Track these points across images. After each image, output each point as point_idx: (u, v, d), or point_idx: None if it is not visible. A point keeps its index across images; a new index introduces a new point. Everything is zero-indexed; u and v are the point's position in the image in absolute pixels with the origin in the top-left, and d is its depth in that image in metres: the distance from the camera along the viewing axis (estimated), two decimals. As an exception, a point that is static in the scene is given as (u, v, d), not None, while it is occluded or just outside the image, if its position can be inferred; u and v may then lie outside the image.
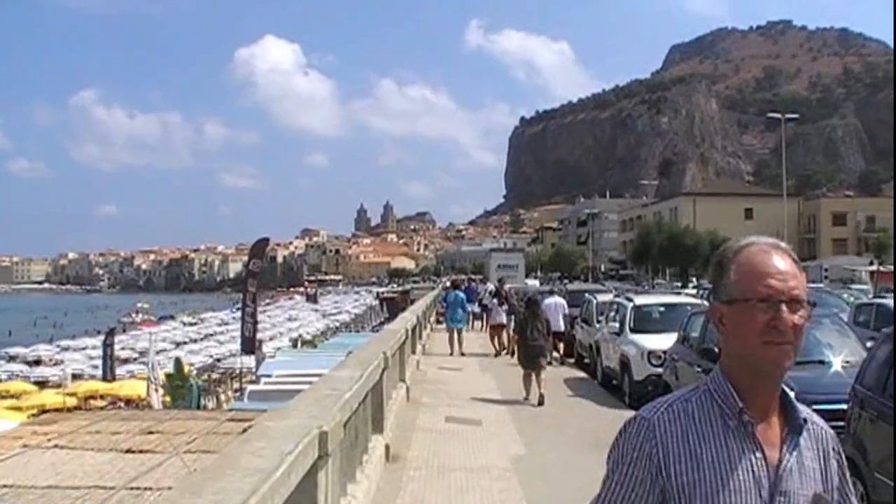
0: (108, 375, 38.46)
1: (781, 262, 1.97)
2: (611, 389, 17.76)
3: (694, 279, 71.39)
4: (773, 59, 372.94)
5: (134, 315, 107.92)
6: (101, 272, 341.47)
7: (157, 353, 48.36)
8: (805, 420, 2.03)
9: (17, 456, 9.35)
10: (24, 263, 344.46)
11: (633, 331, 17.24)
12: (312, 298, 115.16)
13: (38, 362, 52.77)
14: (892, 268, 57.86)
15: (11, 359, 54.25)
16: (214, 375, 42.28)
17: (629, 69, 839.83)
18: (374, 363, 8.72)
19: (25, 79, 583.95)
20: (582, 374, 20.56)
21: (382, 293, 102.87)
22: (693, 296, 28.09)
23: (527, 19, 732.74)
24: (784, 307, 1.92)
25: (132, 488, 7.83)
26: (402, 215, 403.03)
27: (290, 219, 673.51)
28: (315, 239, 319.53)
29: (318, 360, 22.10)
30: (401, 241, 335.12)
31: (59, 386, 35.03)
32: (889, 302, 20.92)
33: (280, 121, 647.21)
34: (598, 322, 20.69)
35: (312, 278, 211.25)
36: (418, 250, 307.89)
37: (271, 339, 59.77)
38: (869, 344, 14.22)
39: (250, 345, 31.53)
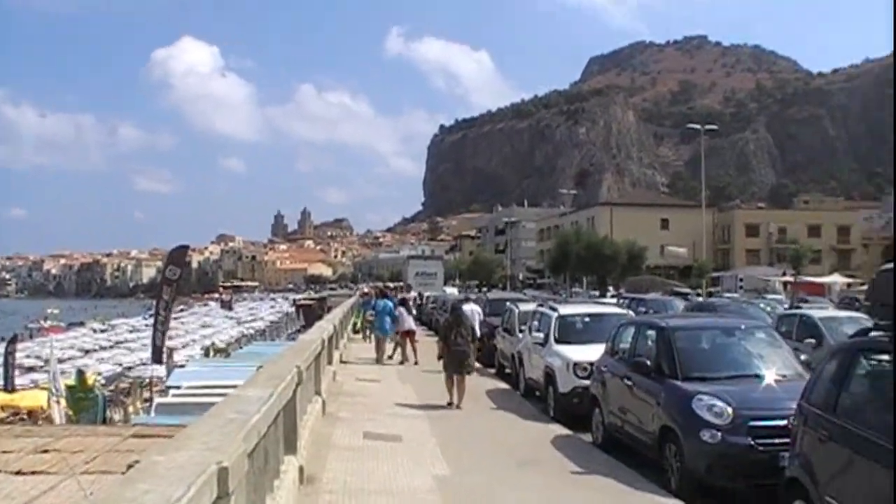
0: (9, 385, 36.75)
1: None
2: (534, 401, 17.29)
3: (612, 288, 71.80)
4: (689, 74, 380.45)
5: (42, 321, 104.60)
6: (8, 276, 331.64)
7: (66, 360, 46.84)
8: None
9: None
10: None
11: (558, 341, 16.76)
12: (227, 305, 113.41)
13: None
14: (807, 279, 59.10)
15: None
16: (122, 385, 40.79)
17: (548, 80, 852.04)
18: (287, 379, 7.98)
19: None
20: (504, 385, 20.09)
21: (299, 300, 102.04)
22: (614, 305, 27.91)
23: (448, 28, 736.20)
24: None
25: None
26: (319, 222, 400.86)
27: (206, 224, 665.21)
28: (231, 244, 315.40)
29: (229, 370, 21.26)
30: (318, 248, 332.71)
31: (-49, 398, 33.38)
32: (812, 312, 20.92)
33: (197, 124, 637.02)
34: (521, 332, 20.24)
35: (228, 284, 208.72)
36: (336, 257, 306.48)
37: (184, 346, 58.11)
38: (803, 357, 14.03)
39: (160, 354, 30.52)
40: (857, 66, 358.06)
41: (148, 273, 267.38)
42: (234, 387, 8.38)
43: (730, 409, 9.30)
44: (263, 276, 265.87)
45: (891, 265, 6.93)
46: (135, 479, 3.46)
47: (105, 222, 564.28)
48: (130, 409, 30.71)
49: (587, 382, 14.09)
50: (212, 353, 46.82)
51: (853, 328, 18.68)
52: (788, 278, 64.79)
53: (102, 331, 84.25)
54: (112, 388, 38.07)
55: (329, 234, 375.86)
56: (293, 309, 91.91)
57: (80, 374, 31.47)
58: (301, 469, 8.85)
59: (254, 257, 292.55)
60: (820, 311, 22.07)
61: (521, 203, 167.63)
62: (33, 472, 8.75)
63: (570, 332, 17.19)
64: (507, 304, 24.81)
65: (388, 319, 25.40)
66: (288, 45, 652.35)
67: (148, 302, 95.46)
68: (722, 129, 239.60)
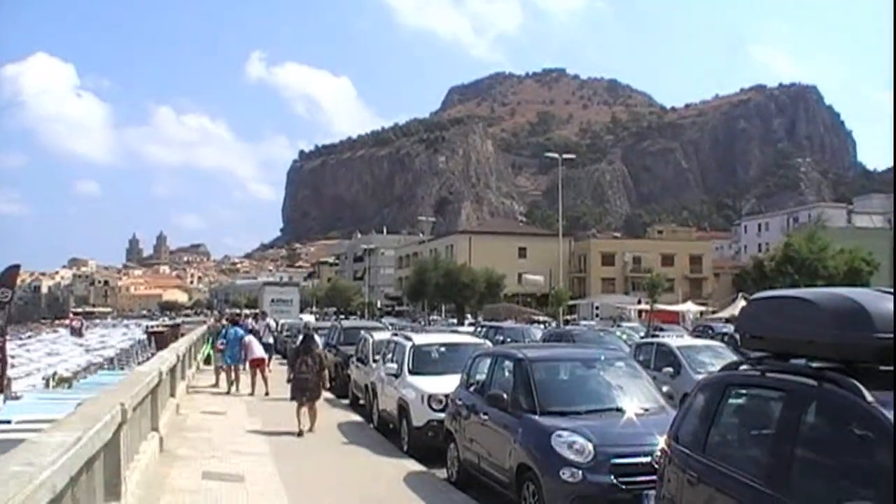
0: None
1: None
2: (388, 435, 16.52)
3: (470, 316, 71.81)
4: (547, 105, 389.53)
5: None
6: None
7: None
8: None
9: None
10: None
11: (413, 372, 16.03)
12: (77, 332, 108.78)
13: None
14: (661, 307, 60.22)
15: None
16: (-49, 418, 38.10)
17: (409, 108, 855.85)
18: (106, 419, 7.01)
19: None
20: (357, 418, 19.26)
21: (151, 327, 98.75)
22: (471, 333, 27.40)
23: (309, 54, 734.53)
24: None
25: None
26: (175, 247, 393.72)
27: (58, 247, 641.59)
28: (84, 269, 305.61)
29: (70, 403, 19.76)
30: (174, 274, 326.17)
31: None
32: (669, 341, 20.91)
33: (49, 144, 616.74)
34: (375, 361, 19.47)
35: (80, 310, 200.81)
36: (192, 283, 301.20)
37: (28, 375, 54.89)
38: (665, 388, 13.70)
39: (-9, 384, 28.43)
40: (708, 101, 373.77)
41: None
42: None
43: (591, 446, 8.75)
44: (117, 302, 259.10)
45: (760, 294, 6.46)
46: None
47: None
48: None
49: (442, 416, 13.42)
50: (53, 384, 44.22)
51: (710, 356, 18.71)
52: (644, 306, 65.95)
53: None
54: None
55: (185, 259, 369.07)
56: (145, 336, 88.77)
57: None
58: (123, 519, 7.85)
59: (107, 282, 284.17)
60: (677, 340, 22.16)
61: (381, 230, 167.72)
62: None
63: (425, 362, 16.49)
64: (362, 332, 23.97)
65: (237, 348, 24.39)
66: (147, 66, 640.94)
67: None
68: (578, 160, 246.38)
